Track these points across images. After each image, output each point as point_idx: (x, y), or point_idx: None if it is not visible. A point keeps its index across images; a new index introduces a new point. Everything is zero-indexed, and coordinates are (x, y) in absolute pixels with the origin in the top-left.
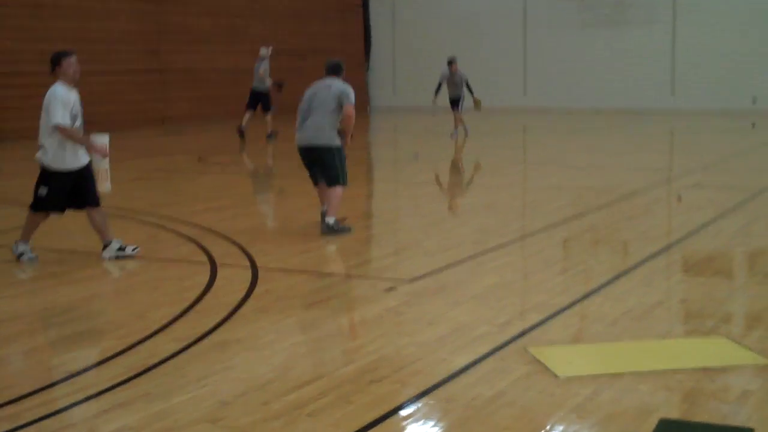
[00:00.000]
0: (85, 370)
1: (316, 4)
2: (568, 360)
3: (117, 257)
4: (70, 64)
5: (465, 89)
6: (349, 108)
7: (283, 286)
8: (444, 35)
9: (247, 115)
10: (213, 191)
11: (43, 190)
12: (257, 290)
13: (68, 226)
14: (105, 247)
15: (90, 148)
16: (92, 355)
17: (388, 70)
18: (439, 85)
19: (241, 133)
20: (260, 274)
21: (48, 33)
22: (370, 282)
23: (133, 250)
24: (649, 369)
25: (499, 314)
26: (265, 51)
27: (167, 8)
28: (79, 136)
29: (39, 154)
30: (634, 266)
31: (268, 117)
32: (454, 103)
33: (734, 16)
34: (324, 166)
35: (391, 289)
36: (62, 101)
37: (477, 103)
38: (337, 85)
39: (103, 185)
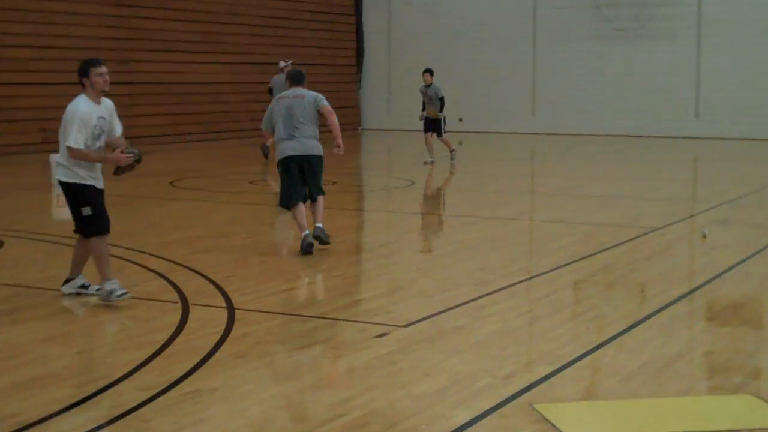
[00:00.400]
0: (40, 421)
1: (302, 10)
2: (578, 419)
3: (77, 294)
4: (100, 74)
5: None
6: (329, 107)
7: (263, 329)
8: (445, 47)
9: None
10: (185, 219)
11: (87, 210)
12: (234, 334)
13: (22, 258)
14: (67, 281)
15: (107, 160)
16: (48, 404)
17: (382, 86)
18: (424, 104)
19: (265, 152)
20: (237, 315)
21: (4, 39)
22: (359, 326)
23: (120, 295)
24: (669, 431)
25: (503, 365)
26: (283, 63)
27: (139, 13)
28: (94, 155)
29: (60, 174)
30: (652, 313)
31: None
32: (429, 124)
33: (765, 29)
34: (315, 175)
35: (383, 334)
36: (81, 120)
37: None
38: (308, 93)
39: (57, 211)
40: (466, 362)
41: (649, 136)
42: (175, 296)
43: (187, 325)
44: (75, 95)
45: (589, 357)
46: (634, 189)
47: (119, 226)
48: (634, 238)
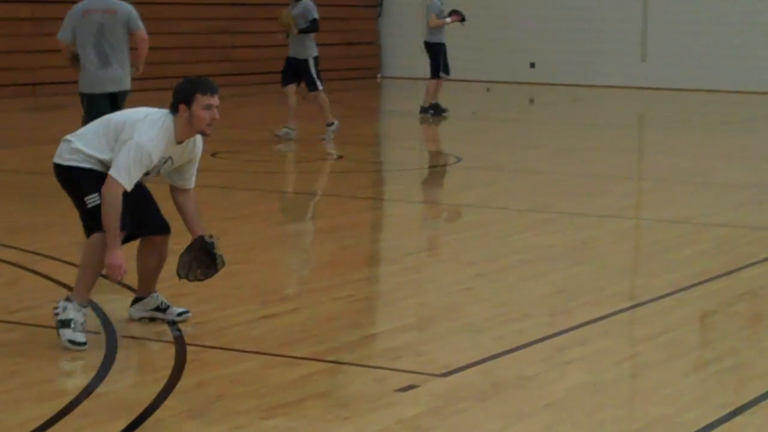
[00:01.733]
0: None
1: None
2: None
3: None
4: (208, 107)
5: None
6: (143, 33)
7: (228, 376)
8: None
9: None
10: None
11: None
12: (184, 382)
13: None
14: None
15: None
16: None
17: (413, 14)
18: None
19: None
20: (190, 354)
21: None
22: (374, 374)
23: (180, 315)
24: None
25: None
26: None
27: None
28: (113, 228)
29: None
30: None
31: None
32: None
33: None
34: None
35: (410, 387)
36: (143, 161)
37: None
38: (122, 6)
39: None
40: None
41: None
42: (97, 324)
43: (113, 367)
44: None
45: (724, 427)
46: None
47: (10, 219)
48: None
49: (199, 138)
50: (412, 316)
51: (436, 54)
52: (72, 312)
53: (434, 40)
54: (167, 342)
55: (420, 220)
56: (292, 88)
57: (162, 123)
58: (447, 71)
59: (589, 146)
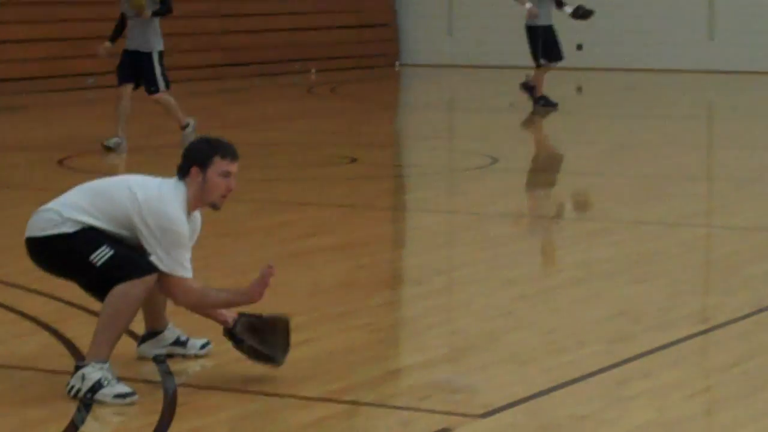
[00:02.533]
0: None
1: None
2: None
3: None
4: (226, 174)
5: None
6: None
7: (226, 421)
8: None
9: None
10: None
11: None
12: (175, 430)
13: None
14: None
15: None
16: None
17: None
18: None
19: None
20: (181, 396)
21: None
22: (399, 416)
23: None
24: None
25: None
26: None
27: None
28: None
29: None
30: None
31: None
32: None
33: None
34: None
35: (444, 431)
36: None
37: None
38: None
39: None
40: None
41: None
42: (69, 363)
43: (91, 413)
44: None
45: None
46: None
47: None
48: None
49: (198, 214)
50: (444, 347)
51: (532, 39)
52: (94, 373)
53: (529, 22)
54: (153, 382)
55: (449, 234)
56: (128, 88)
57: (175, 195)
58: (551, 57)
59: (649, 142)
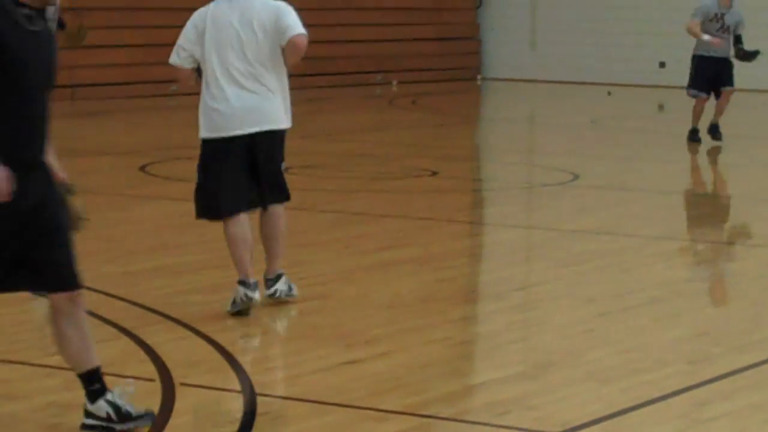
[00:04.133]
0: None
1: None
2: None
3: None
4: None
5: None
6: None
7: (307, 431)
8: None
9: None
10: (165, 232)
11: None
12: None
13: None
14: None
15: None
16: None
17: (518, 7)
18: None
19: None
20: (260, 405)
21: None
22: (477, 431)
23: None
24: None
25: None
26: None
27: None
28: None
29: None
30: None
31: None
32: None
33: None
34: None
35: None
36: None
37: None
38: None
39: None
40: None
41: None
42: (150, 369)
43: (170, 423)
44: None
45: None
46: None
47: None
48: None
49: None
50: (522, 363)
51: (692, 67)
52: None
53: (694, 50)
54: (233, 391)
55: (529, 249)
56: None
57: None
58: (700, 88)
59: (734, 162)
